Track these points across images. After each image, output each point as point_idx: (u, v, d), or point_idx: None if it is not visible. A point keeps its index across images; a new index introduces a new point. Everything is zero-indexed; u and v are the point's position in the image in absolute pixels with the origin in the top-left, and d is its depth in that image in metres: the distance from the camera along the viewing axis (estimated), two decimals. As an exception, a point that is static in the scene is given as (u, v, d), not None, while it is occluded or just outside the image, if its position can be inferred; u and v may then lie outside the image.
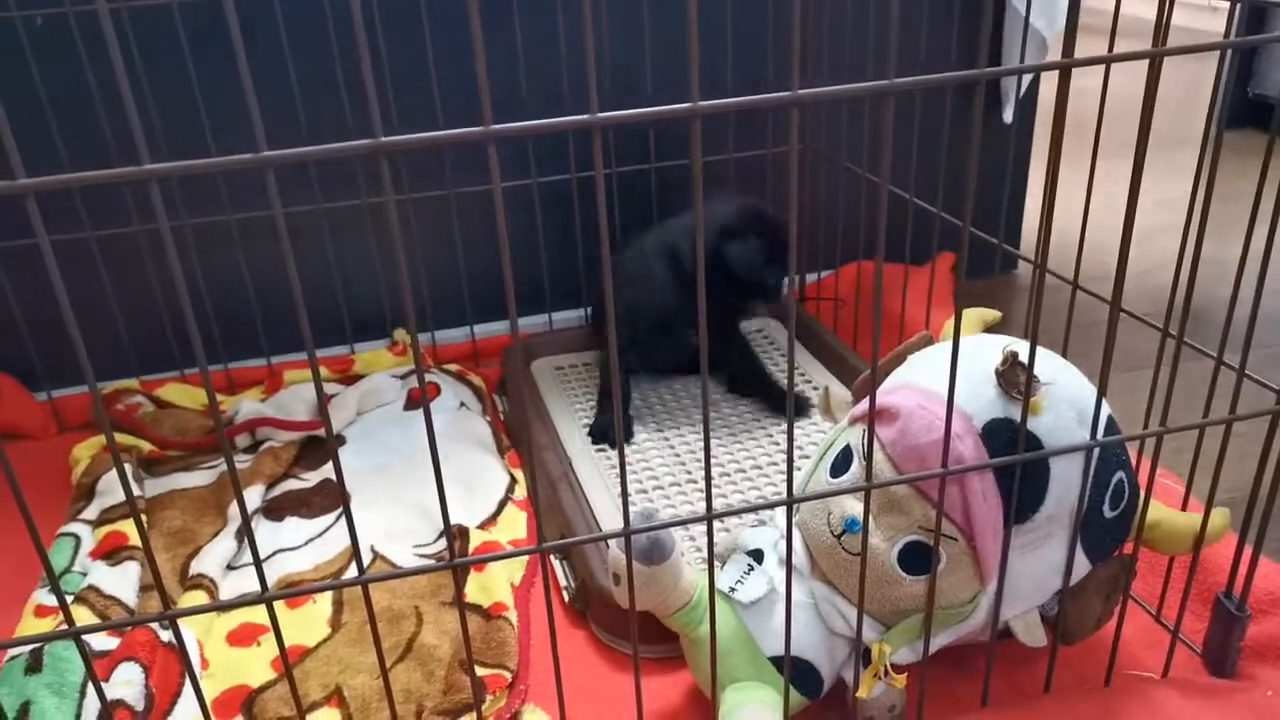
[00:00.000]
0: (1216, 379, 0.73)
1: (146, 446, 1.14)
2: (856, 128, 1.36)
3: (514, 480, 1.08)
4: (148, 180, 0.44)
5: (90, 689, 0.80)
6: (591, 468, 1.06)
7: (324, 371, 1.28)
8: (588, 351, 1.32)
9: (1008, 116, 1.45)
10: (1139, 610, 0.84)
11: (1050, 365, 0.69)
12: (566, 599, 0.90)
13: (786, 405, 0.57)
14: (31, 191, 0.44)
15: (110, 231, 1.21)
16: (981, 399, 0.66)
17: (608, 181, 1.32)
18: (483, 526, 1.00)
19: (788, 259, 1.06)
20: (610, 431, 1.11)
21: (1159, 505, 0.74)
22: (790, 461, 0.59)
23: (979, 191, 1.28)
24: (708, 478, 0.57)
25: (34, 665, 0.82)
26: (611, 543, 0.70)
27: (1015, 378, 0.65)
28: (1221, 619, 0.76)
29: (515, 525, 1.01)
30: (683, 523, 0.61)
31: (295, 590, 0.57)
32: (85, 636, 0.85)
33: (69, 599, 0.91)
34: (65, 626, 0.53)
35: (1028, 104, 1.51)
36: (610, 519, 0.96)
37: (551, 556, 0.94)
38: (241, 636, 0.87)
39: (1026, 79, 1.45)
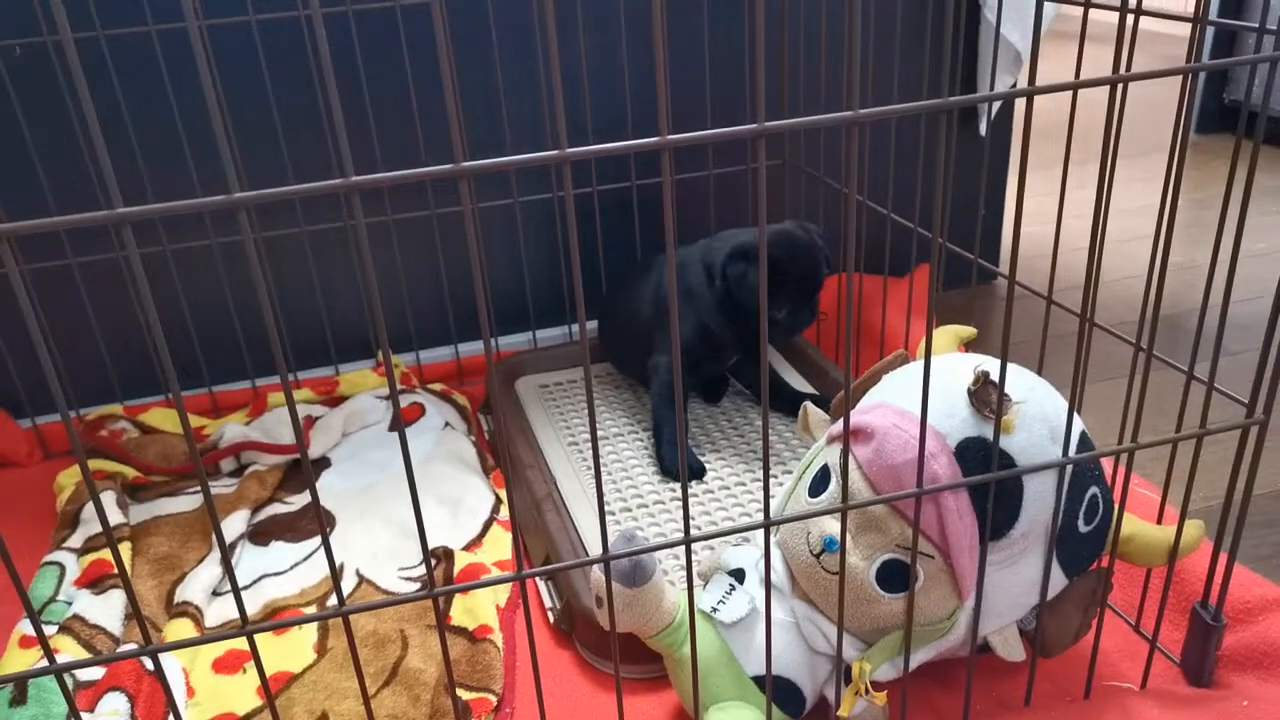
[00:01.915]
0: (1188, 393, 0.74)
1: (131, 473, 1.14)
2: (836, 143, 1.38)
3: (499, 500, 1.08)
4: (120, 223, 0.44)
5: (75, 720, 0.80)
6: (576, 486, 1.06)
7: (308, 393, 1.28)
8: (573, 369, 1.32)
9: (983, 129, 1.47)
10: (1118, 621, 0.85)
11: (1023, 383, 0.69)
12: (552, 619, 0.91)
13: (762, 425, 0.58)
14: (8, 236, 0.44)
15: (92, 258, 1.21)
16: (955, 418, 0.67)
17: (602, 197, 1.33)
18: (468, 548, 1.00)
19: (803, 291, 1.07)
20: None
21: (1133, 519, 0.74)
22: (766, 485, 0.59)
23: (957, 204, 1.29)
24: (685, 503, 0.58)
25: (18, 698, 0.82)
26: (594, 566, 0.71)
27: (987, 397, 0.66)
28: (1198, 629, 0.77)
29: (501, 546, 1.01)
30: (661, 547, 0.61)
31: (276, 623, 0.58)
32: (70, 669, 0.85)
33: (54, 629, 0.91)
34: (44, 669, 0.53)
35: (1005, 116, 1.53)
36: (596, 539, 0.96)
37: (537, 578, 0.94)
38: (227, 664, 0.87)
39: (999, 102, 1.47)
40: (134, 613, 0.54)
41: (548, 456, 1.12)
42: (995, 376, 0.64)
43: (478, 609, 0.89)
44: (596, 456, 0.55)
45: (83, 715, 0.81)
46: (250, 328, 1.29)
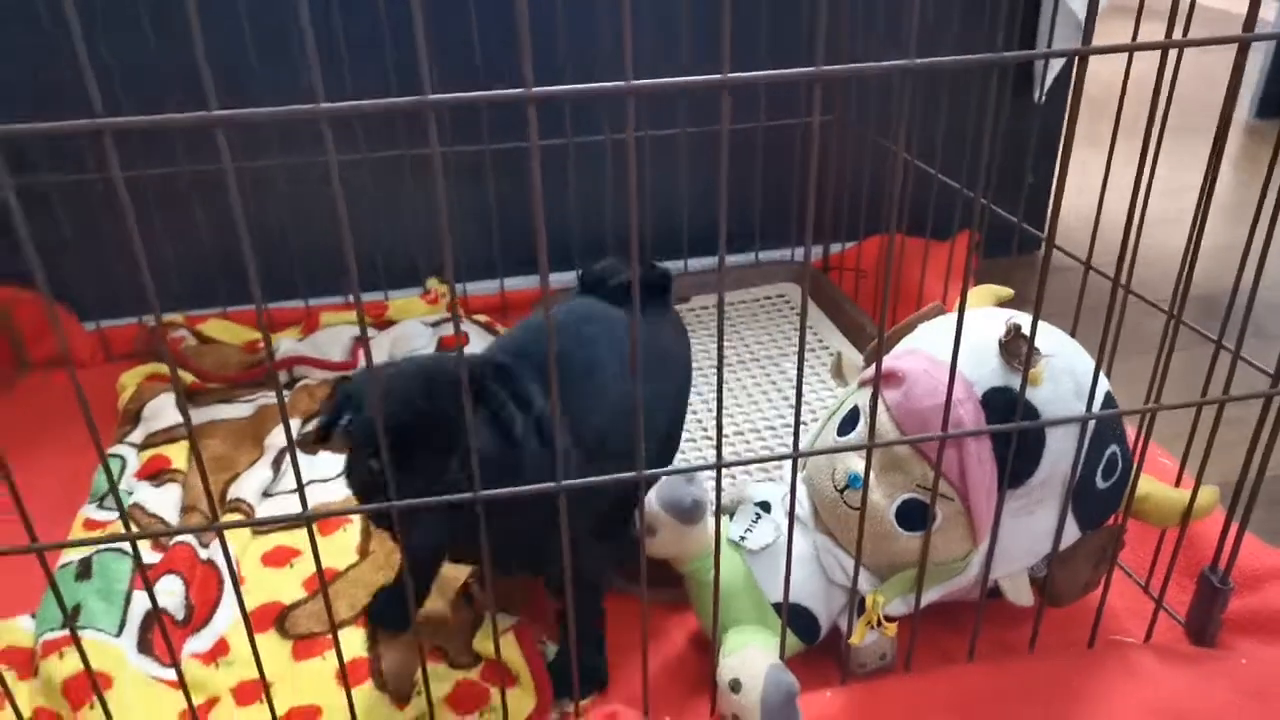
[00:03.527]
0: (1215, 361, 0.76)
1: (188, 378, 1.19)
2: (888, 103, 1.38)
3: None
4: (215, 126, 0.48)
5: (135, 595, 0.86)
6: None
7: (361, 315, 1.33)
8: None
9: (1038, 96, 1.46)
10: (1127, 581, 0.88)
11: (1053, 339, 0.72)
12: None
13: (797, 368, 0.61)
14: (109, 129, 0.48)
15: (160, 171, 1.25)
16: (984, 367, 0.69)
17: (639, 145, 1.35)
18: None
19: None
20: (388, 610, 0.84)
21: (1150, 479, 0.77)
22: (798, 418, 0.63)
23: (1005, 173, 1.30)
24: (719, 427, 0.61)
25: (84, 573, 0.88)
26: (652, 497, 0.74)
27: (1017, 349, 0.68)
28: (1205, 591, 0.80)
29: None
30: (695, 469, 0.65)
31: (332, 511, 0.62)
32: (129, 549, 0.91)
33: (115, 515, 0.97)
34: (119, 535, 0.58)
35: (1062, 86, 1.52)
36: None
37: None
38: (276, 558, 0.93)
39: (1058, 63, 1.46)
40: (204, 487, 0.58)
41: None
42: (1027, 330, 0.67)
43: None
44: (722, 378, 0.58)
45: (138, 594, 0.87)
46: (307, 249, 1.33)
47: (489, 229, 1.39)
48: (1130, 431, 0.77)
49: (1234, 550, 0.78)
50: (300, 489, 0.59)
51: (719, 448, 0.62)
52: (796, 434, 0.64)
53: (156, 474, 1.01)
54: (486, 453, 0.63)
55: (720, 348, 0.58)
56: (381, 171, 1.33)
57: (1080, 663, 0.76)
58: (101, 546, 0.91)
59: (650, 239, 1.42)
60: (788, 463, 0.81)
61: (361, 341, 0.60)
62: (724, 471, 0.76)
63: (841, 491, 0.74)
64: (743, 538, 0.77)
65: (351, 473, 0.67)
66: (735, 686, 0.70)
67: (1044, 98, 1.45)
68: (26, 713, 0.75)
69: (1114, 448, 0.73)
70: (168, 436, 1.07)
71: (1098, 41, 0.57)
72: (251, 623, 0.65)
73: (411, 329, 1.30)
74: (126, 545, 0.92)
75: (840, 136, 1.44)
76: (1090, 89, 0.64)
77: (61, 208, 1.25)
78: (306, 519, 0.61)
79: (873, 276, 1.42)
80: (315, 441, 0.67)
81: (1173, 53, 0.62)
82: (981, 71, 1.30)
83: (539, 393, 0.68)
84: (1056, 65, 1.46)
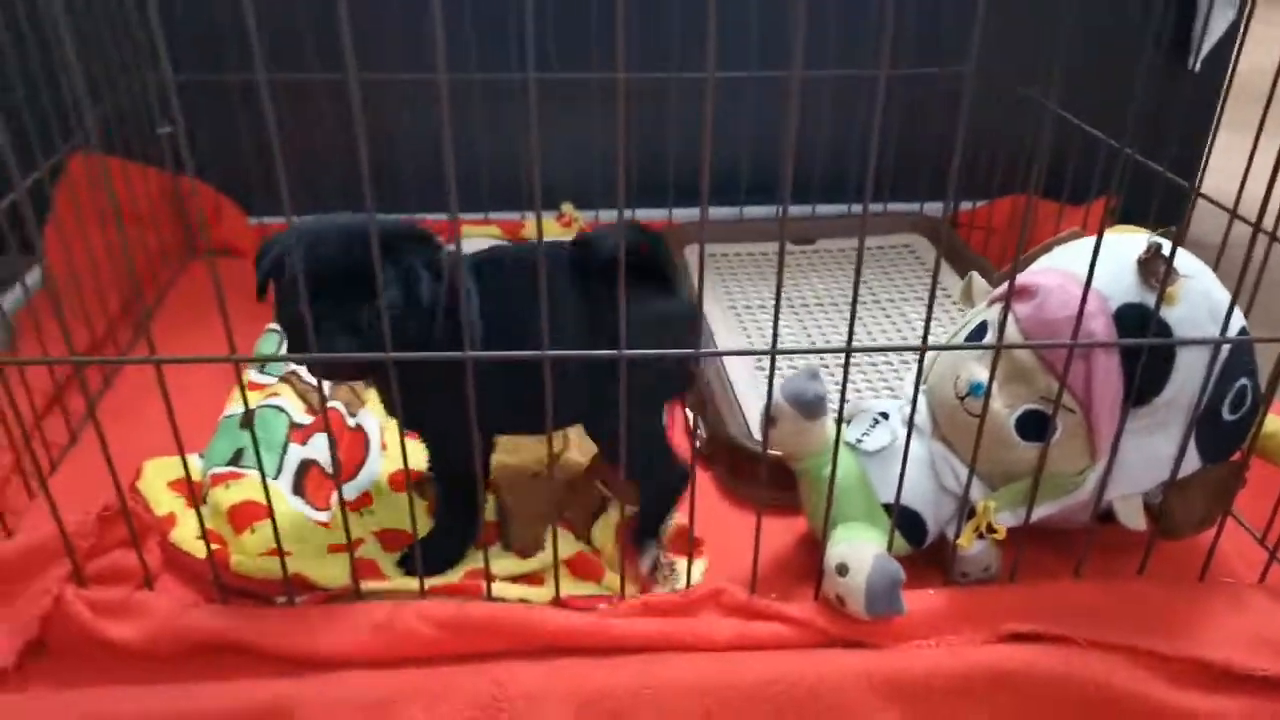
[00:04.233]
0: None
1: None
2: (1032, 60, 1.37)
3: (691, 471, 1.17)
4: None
5: (290, 447, 0.94)
6: (732, 338, 1.14)
7: (496, 230, 1.40)
8: (739, 243, 1.39)
9: (1194, 64, 1.43)
10: (1241, 531, 0.87)
11: (1192, 263, 0.72)
12: (697, 446, 0.99)
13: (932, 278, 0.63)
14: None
15: (332, 76, 1.34)
16: (1120, 284, 0.71)
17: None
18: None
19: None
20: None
21: (1276, 417, 0.77)
22: (929, 313, 0.65)
23: (1151, 138, 1.28)
24: (853, 314, 0.64)
25: (246, 423, 0.96)
26: (777, 391, 0.77)
27: (1155, 267, 0.69)
28: (1325, 541, 0.79)
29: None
30: (825, 351, 0.68)
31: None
32: (288, 409, 1.00)
33: (274, 379, 1.06)
34: (274, 397, 0.65)
35: (1220, 57, 1.47)
36: (743, 383, 1.04)
37: (687, 409, 1.03)
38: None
39: (1219, 31, 1.42)
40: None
41: (708, 314, 1.20)
42: (1167, 252, 0.68)
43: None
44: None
45: (294, 446, 0.95)
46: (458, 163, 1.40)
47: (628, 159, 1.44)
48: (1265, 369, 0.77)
49: (1360, 501, 0.77)
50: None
51: (851, 329, 0.65)
52: (927, 328, 0.67)
53: (311, 349, 1.10)
54: (393, 301, 0.70)
55: (860, 248, 0.61)
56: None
57: (1189, 592, 0.77)
58: (263, 402, 1.00)
59: (785, 181, 1.44)
60: (909, 383, 0.84)
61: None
62: (849, 386, 0.77)
63: (962, 399, 0.76)
64: (860, 440, 0.80)
65: (281, 316, 0.75)
66: (842, 570, 0.73)
67: (1198, 65, 1.42)
68: (195, 535, 0.84)
69: (1244, 381, 0.73)
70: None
71: (1256, 25, 0.57)
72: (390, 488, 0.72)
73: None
74: (285, 403, 1.00)
75: (977, 88, 1.43)
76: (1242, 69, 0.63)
77: (240, 109, 1.35)
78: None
79: (1000, 235, 1.42)
80: (258, 295, 0.76)
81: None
82: (1136, 33, 1.28)
83: (468, 279, 0.74)
84: (1216, 33, 1.42)
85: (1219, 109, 0.63)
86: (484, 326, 0.75)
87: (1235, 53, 0.72)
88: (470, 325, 0.73)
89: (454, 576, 0.80)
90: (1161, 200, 0.88)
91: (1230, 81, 0.54)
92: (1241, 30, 0.56)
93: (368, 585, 0.77)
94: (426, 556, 0.79)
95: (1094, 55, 1.14)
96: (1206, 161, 0.64)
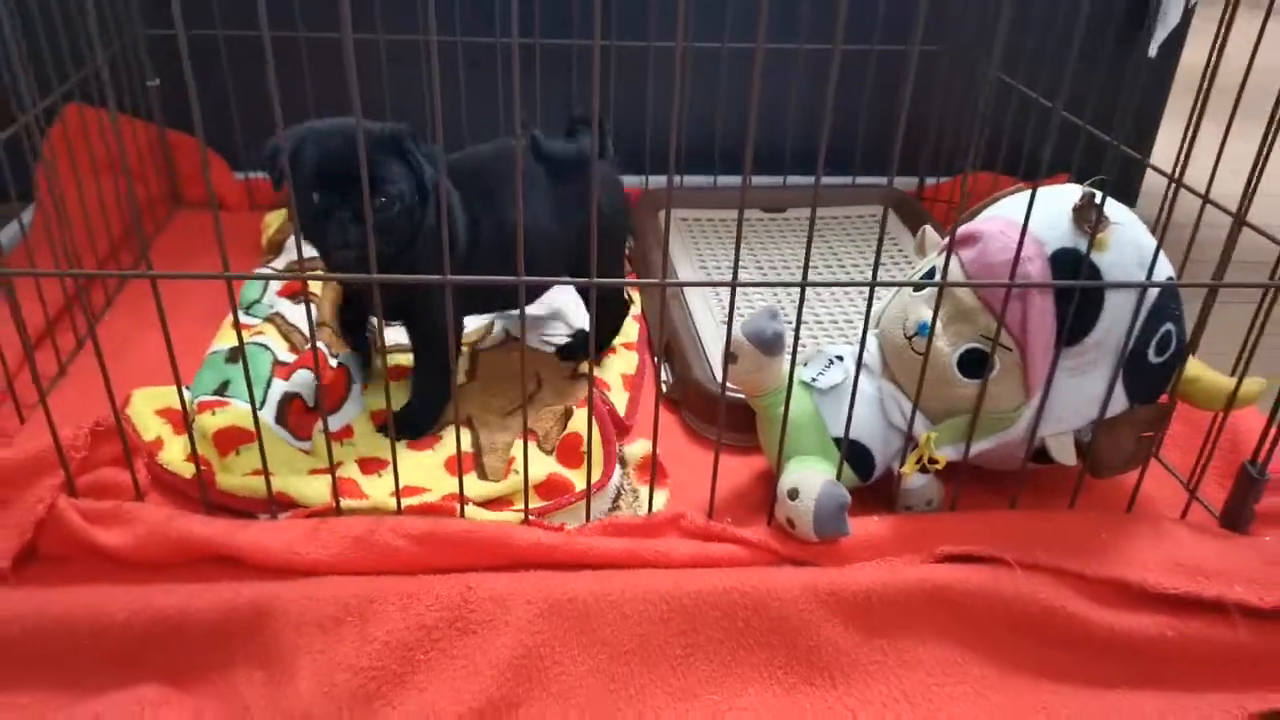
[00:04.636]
0: None
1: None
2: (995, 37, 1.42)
3: (632, 301, 1.22)
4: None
5: (274, 381, 0.98)
6: (701, 297, 1.19)
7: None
8: (710, 209, 1.44)
9: (1152, 51, 1.49)
10: (1166, 476, 0.93)
11: (1123, 212, 0.78)
12: (665, 390, 1.04)
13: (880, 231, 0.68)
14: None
15: (319, 35, 1.37)
16: (1055, 230, 0.76)
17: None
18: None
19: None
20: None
21: (1200, 363, 0.83)
22: (879, 253, 0.71)
23: (1103, 118, 1.33)
24: (808, 249, 0.69)
25: (232, 358, 1.00)
26: (738, 327, 0.82)
27: (1088, 214, 0.75)
28: (1242, 481, 0.85)
29: (629, 333, 1.15)
30: (779, 285, 0.73)
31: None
32: (272, 346, 1.04)
33: (259, 320, 1.09)
34: (259, 336, 0.69)
35: (1175, 43, 1.53)
36: (708, 331, 1.09)
37: (654, 357, 1.08)
38: (394, 374, 1.04)
39: (1176, 18, 1.48)
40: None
41: (678, 272, 1.25)
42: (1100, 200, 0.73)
43: (609, 378, 1.04)
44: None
45: (277, 381, 0.99)
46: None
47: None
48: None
49: (1274, 444, 0.83)
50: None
51: (806, 266, 0.71)
52: (876, 266, 0.72)
53: (295, 294, 1.14)
54: (403, 192, 0.85)
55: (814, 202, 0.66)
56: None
57: (1115, 522, 0.82)
58: (249, 340, 1.04)
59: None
60: (859, 330, 0.89)
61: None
62: (803, 327, 0.83)
63: (910, 339, 0.82)
64: (814, 379, 0.86)
65: (299, 207, 0.83)
66: (793, 494, 0.79)
67: (1154, 51, 1.48)
68: (182, 457, 0.88)
69: (1170, 326, 0.79)
70: (307, 265, 1.19)
71: (1199, 25, 0.61)
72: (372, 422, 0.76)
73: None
74: (269, 340, 1.04)
75: (949, 66, 1.48)
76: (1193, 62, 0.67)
77: (229, 64, 1.38)
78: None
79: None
80: (274, 186, 0.89)
81: None
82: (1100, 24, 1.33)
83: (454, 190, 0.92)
84: (1172, 22, 1.48)
85: (1169, 93, 0.68)
86: (466, 217, 0.92)
87: (1207, 46, 0.78)
88: (451, 217, 0.89)
89: (431, 497, 0.85)
90: (1117, 177, 0.93)
91: (1176, 67, 0.59)
92: (1221, 28, 0.61)
93: (347, 503, 0.81)
94: (407, 422, 0.94)
95: (1058, 42, 1.19)
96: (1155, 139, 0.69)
